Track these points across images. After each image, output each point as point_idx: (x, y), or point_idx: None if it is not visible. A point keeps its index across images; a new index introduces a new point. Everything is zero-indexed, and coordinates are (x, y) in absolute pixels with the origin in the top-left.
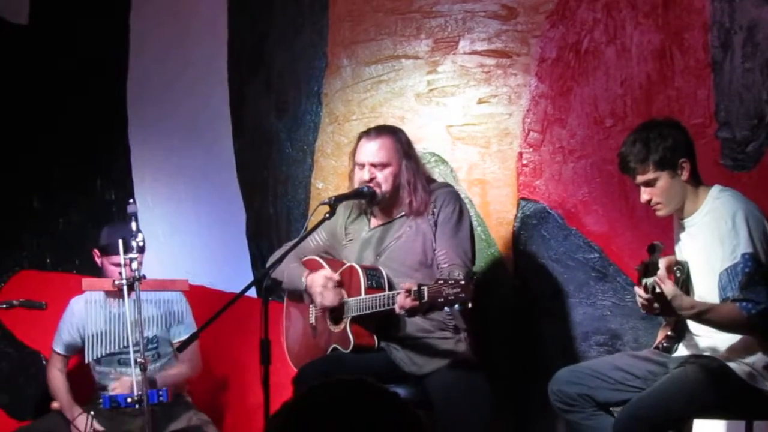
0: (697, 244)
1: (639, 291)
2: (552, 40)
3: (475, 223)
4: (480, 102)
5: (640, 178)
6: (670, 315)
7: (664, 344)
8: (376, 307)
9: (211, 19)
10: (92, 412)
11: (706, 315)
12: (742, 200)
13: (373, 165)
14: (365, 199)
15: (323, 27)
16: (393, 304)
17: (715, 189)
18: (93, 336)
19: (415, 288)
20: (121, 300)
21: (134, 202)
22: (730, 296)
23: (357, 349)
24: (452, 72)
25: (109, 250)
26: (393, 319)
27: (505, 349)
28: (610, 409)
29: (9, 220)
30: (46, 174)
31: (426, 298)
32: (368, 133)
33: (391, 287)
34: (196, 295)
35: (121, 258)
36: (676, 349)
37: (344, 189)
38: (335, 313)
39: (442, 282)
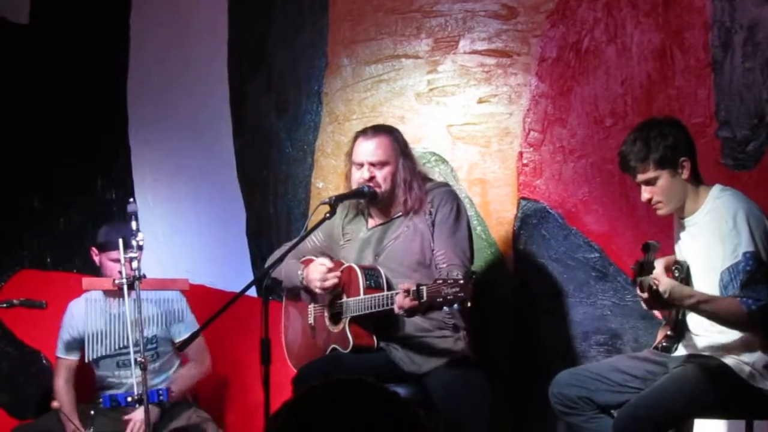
0: (697, 244)
1: (637, 290)
2: (552, 39)
3: (475, 223)
4: (480, 101)
5: (640, 177)
6: (669, 308)
7: (664, 344)
8: (375, 307)
9: (211, 19)
10: (92, 411)
11: (705, 305)
12: (742, 200)
13: (372, 164)
14: (365, 199)
15: (323, 26)
16: (392, 304)
17: (716, 188)
18: (93, 335)
19: (414, 288)
20: (121, 299)
21: (134, 201)
22: (732, 294)
23: (356, 349)
24: (452, 71)
25: (106, 247)
26: (392, 319)
27: (505, 349)
28: (611, 411)
29: (9, 219)
30: (46, 173)
31: (425, 297)
32: (365, 133)
33: (390, 287)
34: (197, 294)
35: (121, 255)
36: (676, 348)
37: (344, 189)
38: (335, 311)
39: (440, 282)
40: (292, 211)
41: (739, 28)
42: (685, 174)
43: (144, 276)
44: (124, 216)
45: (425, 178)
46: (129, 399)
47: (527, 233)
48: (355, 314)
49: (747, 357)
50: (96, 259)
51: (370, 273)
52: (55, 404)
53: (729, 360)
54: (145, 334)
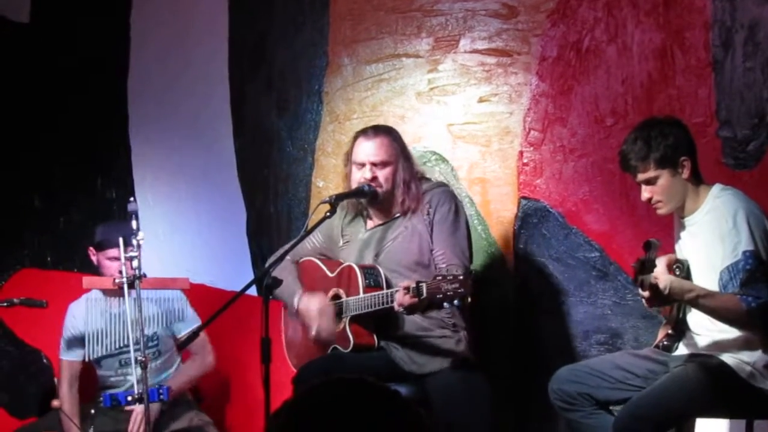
0: (697, 243)
1: (638, 288)
2: (553, 38)
3: (475, 222)
4: (481, 101)
5: (640, 176)
6: (670, 304)
7: (665, 343)
8: (374, 306)
9: (211, 18)
10: (92, 411)
11: (705, 300)
12: (743, 199)
13: (374, 164)
14: (366, 198)
15: (324, 25)
16: (392, 301)
17: (716, 188)
18: (93, 334)
19: (414, 285)
20: (121, 298)
21: (135, 200)
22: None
23: (357, 349)
24: (453, 71)
25: (104, 245)
26: (392, 318)
27: (505, 348)
28: (610, 407)
29: (10, 218)
30: (46, 172)
31: (425, 294)
32: (365, 133)
33: (389, 286)
34: (197, 293)
35: (121, 254)
36: (677, 347)
37: (344, 189)
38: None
39: (440, 278)
40: (292, 210)
41: (740, 28)
42: (686, 173)
43: (144, 275)
44: (125, 215)
45: (422, 178)
46: (129, 398)
47: (528, 232)
48: (355, 313)
49: (747, 356)
50: (93, 258)
51: (370, 272)
52: (55, 403)
53: (729, 359)
54: (145, 332)
